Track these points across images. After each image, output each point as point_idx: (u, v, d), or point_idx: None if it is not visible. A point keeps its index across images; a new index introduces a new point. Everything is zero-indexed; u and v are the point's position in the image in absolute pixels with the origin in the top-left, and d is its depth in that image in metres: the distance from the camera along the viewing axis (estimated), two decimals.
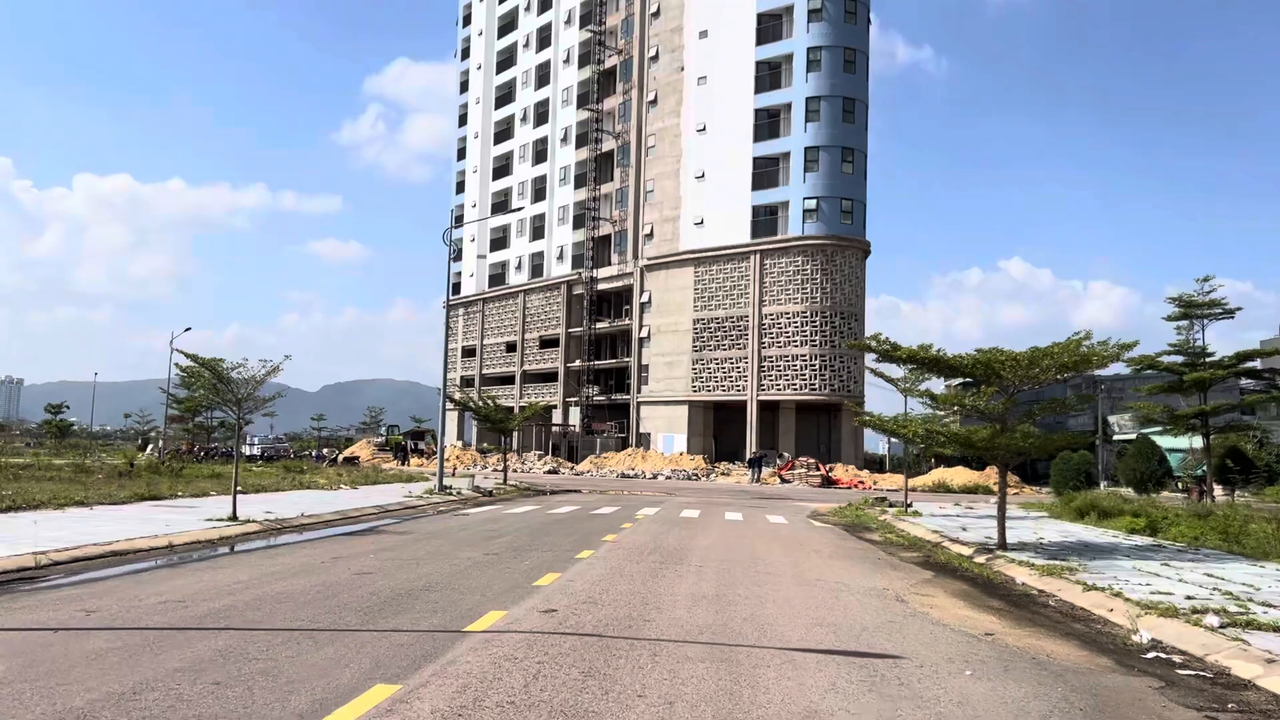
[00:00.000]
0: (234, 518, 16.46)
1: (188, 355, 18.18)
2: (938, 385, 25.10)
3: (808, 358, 55.83)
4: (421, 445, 73.32)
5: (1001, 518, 15.67)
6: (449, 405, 36.54)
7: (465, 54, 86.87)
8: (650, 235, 64.59)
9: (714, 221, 60.67)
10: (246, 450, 64.13)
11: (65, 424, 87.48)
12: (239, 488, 19.06)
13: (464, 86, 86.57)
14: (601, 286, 68.46)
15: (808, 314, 56.07)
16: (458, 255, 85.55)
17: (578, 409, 67.73)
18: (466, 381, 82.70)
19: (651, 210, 64.80)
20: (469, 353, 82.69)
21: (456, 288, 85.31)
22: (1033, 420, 16.65)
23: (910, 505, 25.67)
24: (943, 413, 23.13)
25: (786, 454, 53.70)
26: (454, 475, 40.80)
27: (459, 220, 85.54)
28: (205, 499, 20.98)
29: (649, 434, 63.50)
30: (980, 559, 14.31)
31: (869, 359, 21.43)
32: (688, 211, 62.25)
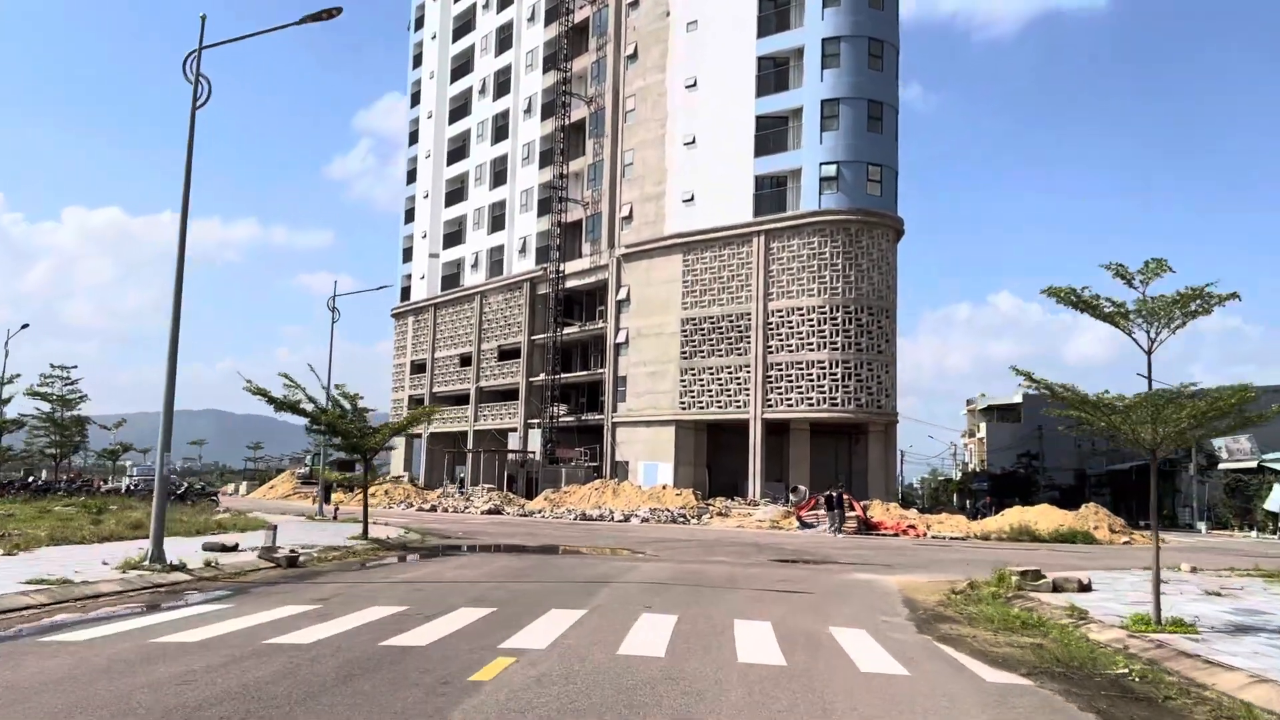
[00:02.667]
0: None
1: None
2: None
3: (826, 365, 43.74)
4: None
5: None
6: (316, 427, 24.30)
7: (419, 23, 75.31)
8: (629, 218, 52.64)
9: (707, 197, 48.79)
10: (126, 481, 51.77)
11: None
12: None
13: (417, 60, 74.94)
14: (571, 283, 56.38)
15: (826, 309, 44.06)
16: (407, 255, 73.49)
17: (543, 432, 55.28)
18: (416, 401, 70.21)
19: (630, 187, 52.91)
20: (419, 368, 70.31)
21: (405, 292, 73.19)
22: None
23: (1087, 583, 13.52)
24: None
25: (803, 487, 41.40)
26: (341, 518, 28.54)
27: (409, 215, 73.59)
28: None
29: (626, 462, 51.15)
30: None
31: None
32: (674, 186, 50.37)
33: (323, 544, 19.83)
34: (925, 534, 31.12)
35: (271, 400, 20.81)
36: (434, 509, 40.56)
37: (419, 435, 68.83)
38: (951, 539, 29.85)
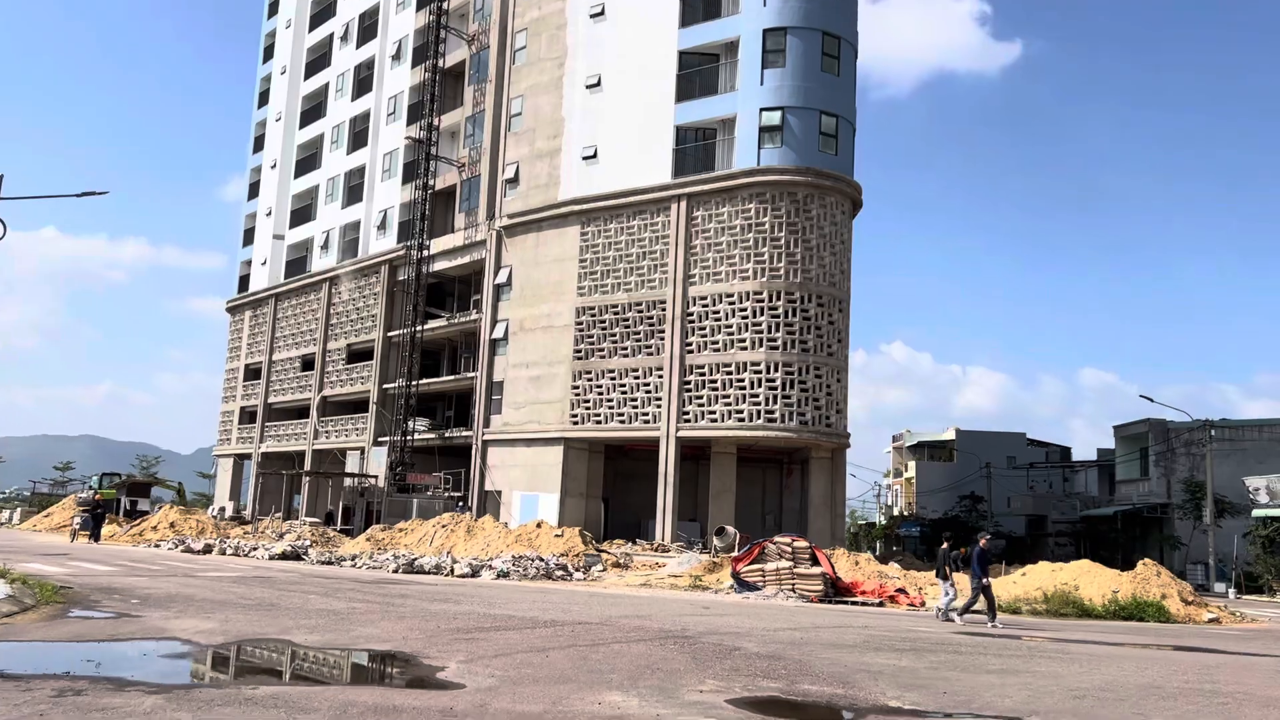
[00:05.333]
0: None
1: None
2: None
3: (763, 369, 33.29)
4: (145, 505, 47.35)
5: None
6: None
7: None
8: (514, 180, 41.51)
9: (614, 153, 38.13)
10: None
11: None
12: None
13: (272, 9, 62.62)
14: (440, 265, 44.78)
15: (764, 297, 33.72)
16: (248, 237, 60.59)
17: (390, 452, 42.99)
18: (248, 414, 57.07)
19: (518, 143, 41.86)
20: (254, 373, 57.24)
21: (244, 282, 60.19)
22: None
23: None
24: None
25: (731, 529, 30.48)
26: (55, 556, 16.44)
27: (254, 189, 60.81)
28: None
29: (499, 492, 39.52)
30: None
31: None
32: (573, 140, 39.56)
33: None
34: (919, 600, 20.63)
35: None
36: (207, 550, 28.19)
37: (248, 456, 55.65)
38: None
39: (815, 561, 21.12)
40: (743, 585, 21.19)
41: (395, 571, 22.34)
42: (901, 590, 21.46)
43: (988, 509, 60.31)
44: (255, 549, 27.60)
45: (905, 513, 77.34)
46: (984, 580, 16.68)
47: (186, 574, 18.88)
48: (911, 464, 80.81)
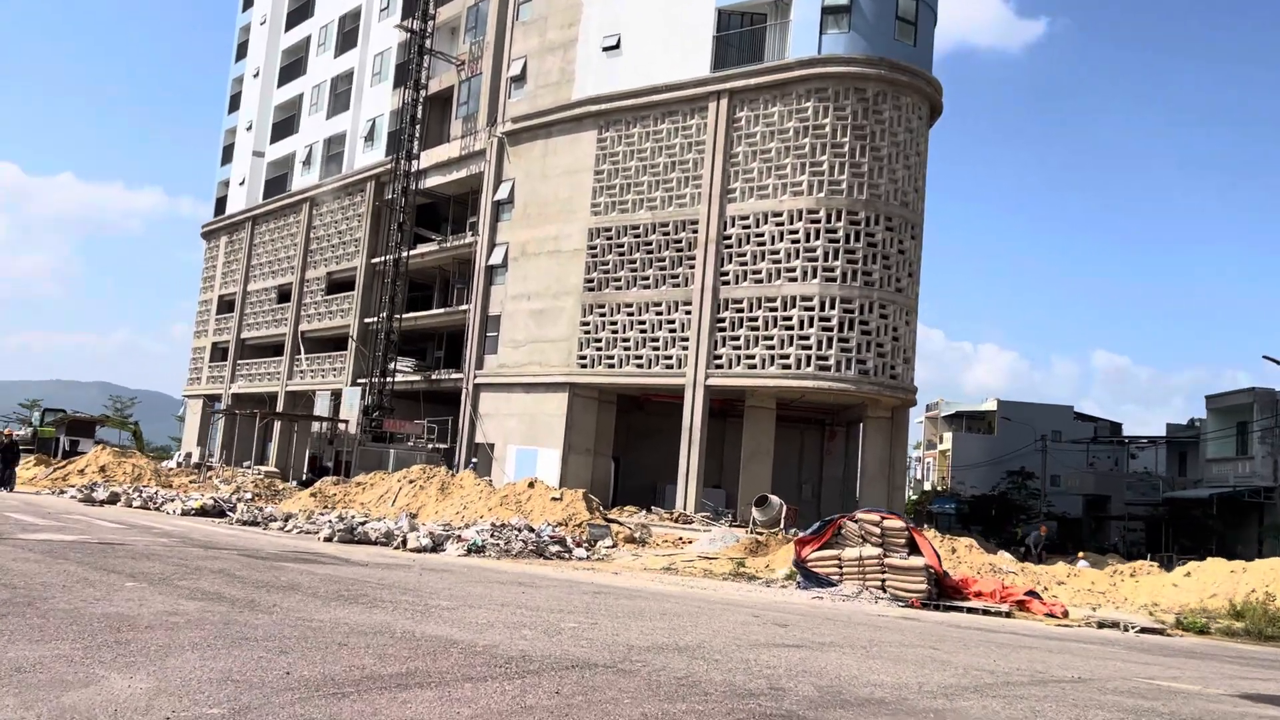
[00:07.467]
0: None
1: None
2: None
3: (816, 304, 27.01)
4: (88, 446, 41.48)
5: None
6: None
7: None
8: (520, 78, 35.06)
9: (641, 42, 31.64)
10: None
11: None
12: None
13: None
14: (432, 181, 38.50)
15: (820, 216, 27.35)
16: (227, 154, 54.31)
17: (364, 395, 36.90)
18: (219, 350, 51.19)
19: (527, 34, 35.35)
20: (227, 305, 51.25)
21: (221, 204, 54.02)
22: None
23: None
24: None
25: (776, 499, 24.31)
26: None
27: (234, 101, 54.46)
28: None
29: (492, 445, 33.52)
30: None
31: None
32: (592, 28, 33.06)
33: None
34: (1063, 610, 14.61)
35: None
36: (112, 501, 22.27)
37: (218, 398, 49.83)
38: (1143, 629, 13.50)
39: (914, 549, 14.98)
40: (810, 578, 15.08)
41: (330, 539, 16.31)
42: (1033, 593, 15.31)
43: (1041, 487, 54.12)
44: (171, 501, 21.63)
45: (939, 488, 71.27)
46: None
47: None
48: (947, 435, 74.56)
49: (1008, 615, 14.24)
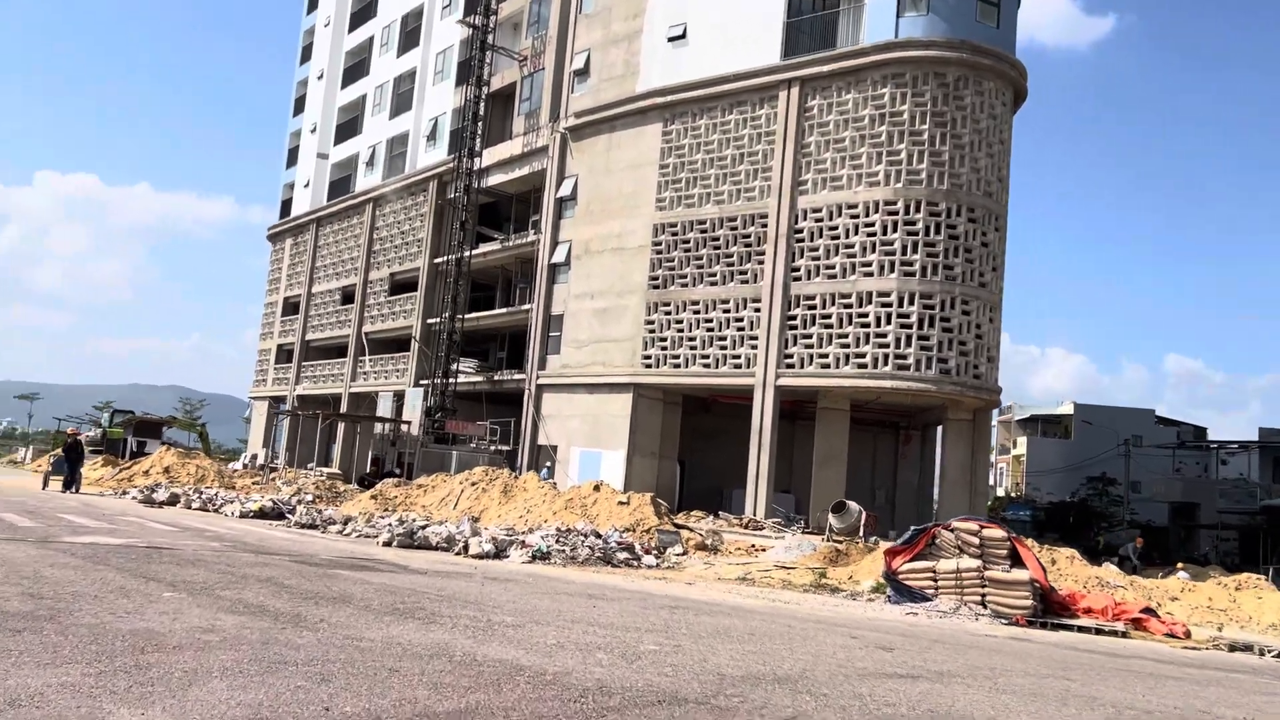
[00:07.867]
0: None
1: None
2: None
3: (894, 301, 25.65)
4: (154, 447, 41.76)
5: None
6: None
7: None
8: (584, 72, 34.29)
9: (708, 31, 30.61)
10: None
11: None
12: None
13: None
14: (494, 179, 37.97)
15: (898, 208, 25.99)
16: (292, 157, 54.65)
17: (426, 396, 36.42)
18: (285, 353, 51.43)
19: (590, 27, 34.59)
20: (292, 307, 51.48)
21: (286, 207, 54.36)
22: None
23: None
24: None
25: (854, 505, 23.03)
26: None
27: (299, 104, 54.78)
28: None
29: (555, 447, 32.74)
30: None
31: None
32: (657, 17, 32.13)
33: None
34: (1185, 630, 13.21)
35: None
36: (172, 502, 21.94)
37: (283, 399, 50.04)
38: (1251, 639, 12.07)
39: (1016, 561, 13.68)
40: (901, 592, 13.90)
41: (389, 544, 15.58)
42: (1149, 610, 13.88)
43: (1123, 494, 51.64)
44: (230, 503, 21.22)
45: (1013, 494, 68.74)
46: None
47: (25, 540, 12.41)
48: (1021, 440, 72.04)
49: (1124, 635, 12.88)
